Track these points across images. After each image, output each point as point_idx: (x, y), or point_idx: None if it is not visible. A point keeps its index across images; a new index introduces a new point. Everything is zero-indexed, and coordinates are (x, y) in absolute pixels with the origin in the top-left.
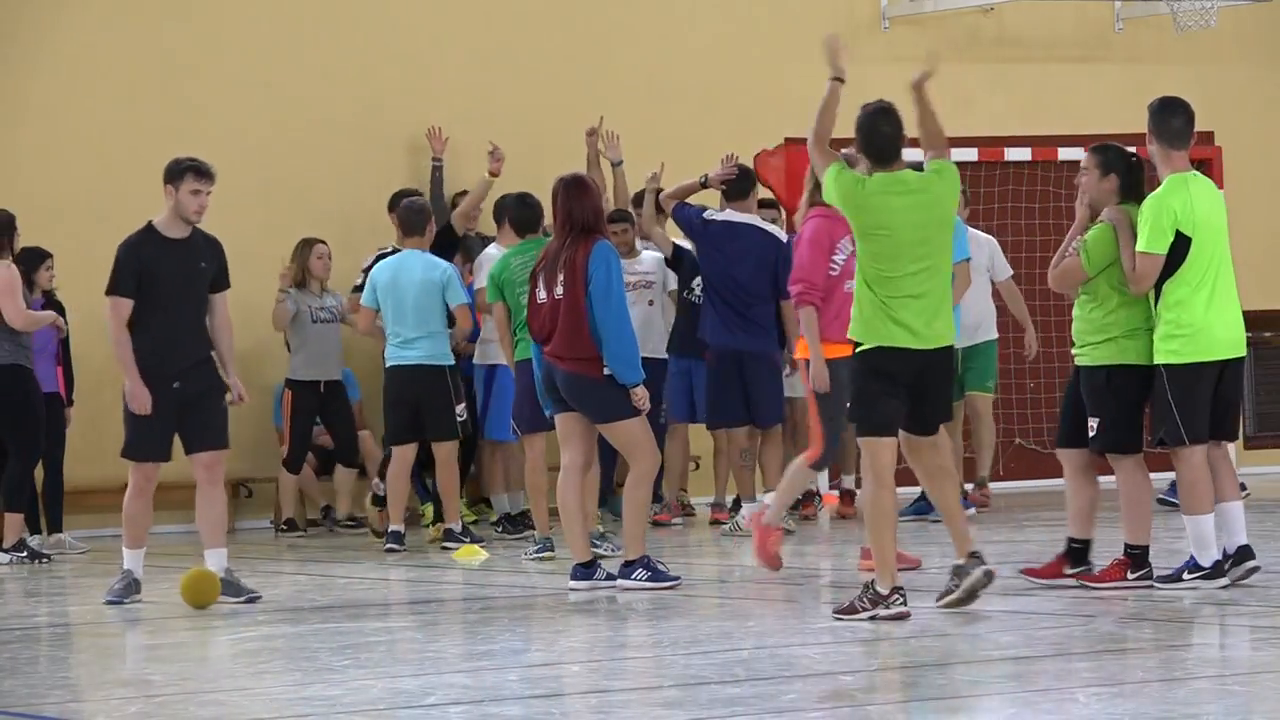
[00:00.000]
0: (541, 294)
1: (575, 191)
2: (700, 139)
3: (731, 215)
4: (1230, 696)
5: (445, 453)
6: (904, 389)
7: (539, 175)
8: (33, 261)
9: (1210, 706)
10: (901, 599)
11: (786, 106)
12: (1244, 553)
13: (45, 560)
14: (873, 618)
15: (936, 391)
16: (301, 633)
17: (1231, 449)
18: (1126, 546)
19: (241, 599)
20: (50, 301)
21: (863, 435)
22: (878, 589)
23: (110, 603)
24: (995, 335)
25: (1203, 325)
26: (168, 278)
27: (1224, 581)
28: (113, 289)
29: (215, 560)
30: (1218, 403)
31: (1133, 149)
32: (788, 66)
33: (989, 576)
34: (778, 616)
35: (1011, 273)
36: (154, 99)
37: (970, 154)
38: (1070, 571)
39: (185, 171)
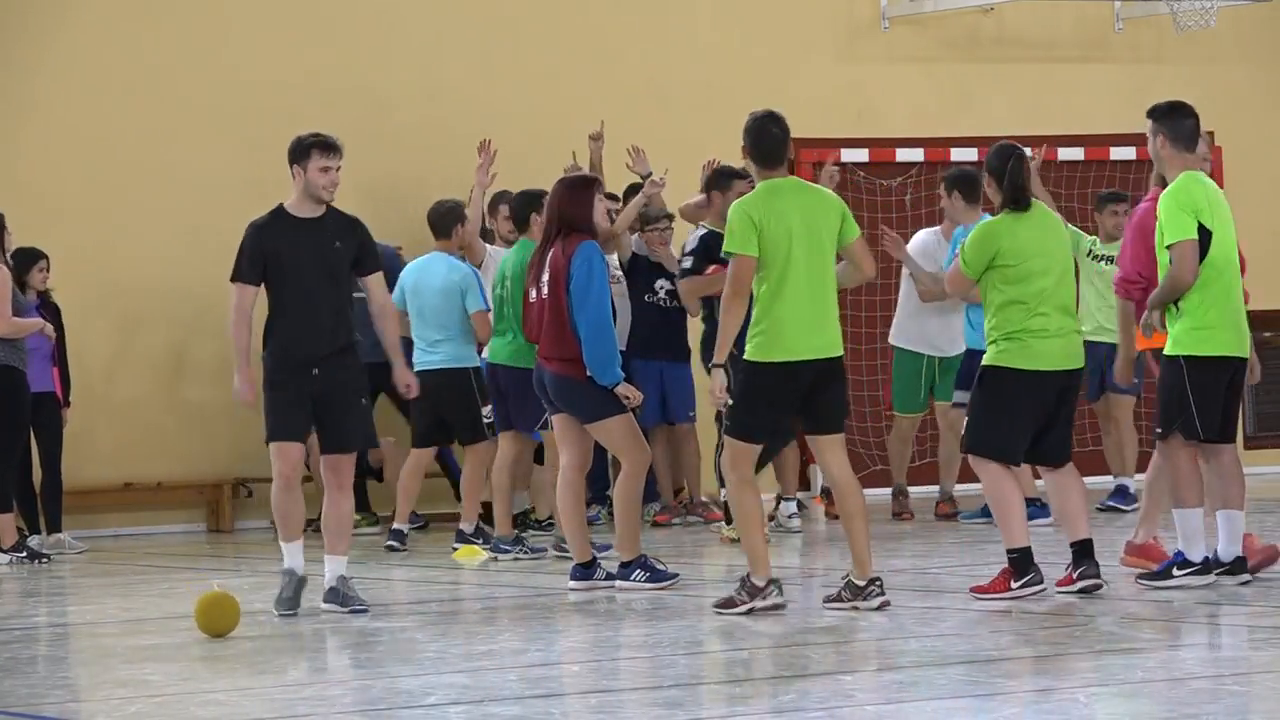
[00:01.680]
0: (532, 294)
1: (570, 192)
2: (700, 139)
3: None
4: (1230, 696)
5: (476, 455)
6: (796, 398)
7: (540, 176)
8: (25, 262)
9: (1210, 706)
10: (777, 590)
11: (786, 106)
12: (1238, 565)
13: (45, 560)
14: (750, 610)
15: (829, 394)
16: (302, 632)
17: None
18: (1007, 552)
19: (346, 610)
20: (45, 302)
21: (731, 435)
22: (754, 581)
23: (284, 614)
24: None
25: (1223, 321)
26: (299, 260)
27: (1212, 579)
28: (234, 275)
29: (332, 567)
30: (1226, 403)
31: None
32: (788, 66)
33: (779, 608)
34: (777, 616)
35: None
36: (156, 99)
37: (970, 154)
38: (1017, 584)
39: (310, 148)
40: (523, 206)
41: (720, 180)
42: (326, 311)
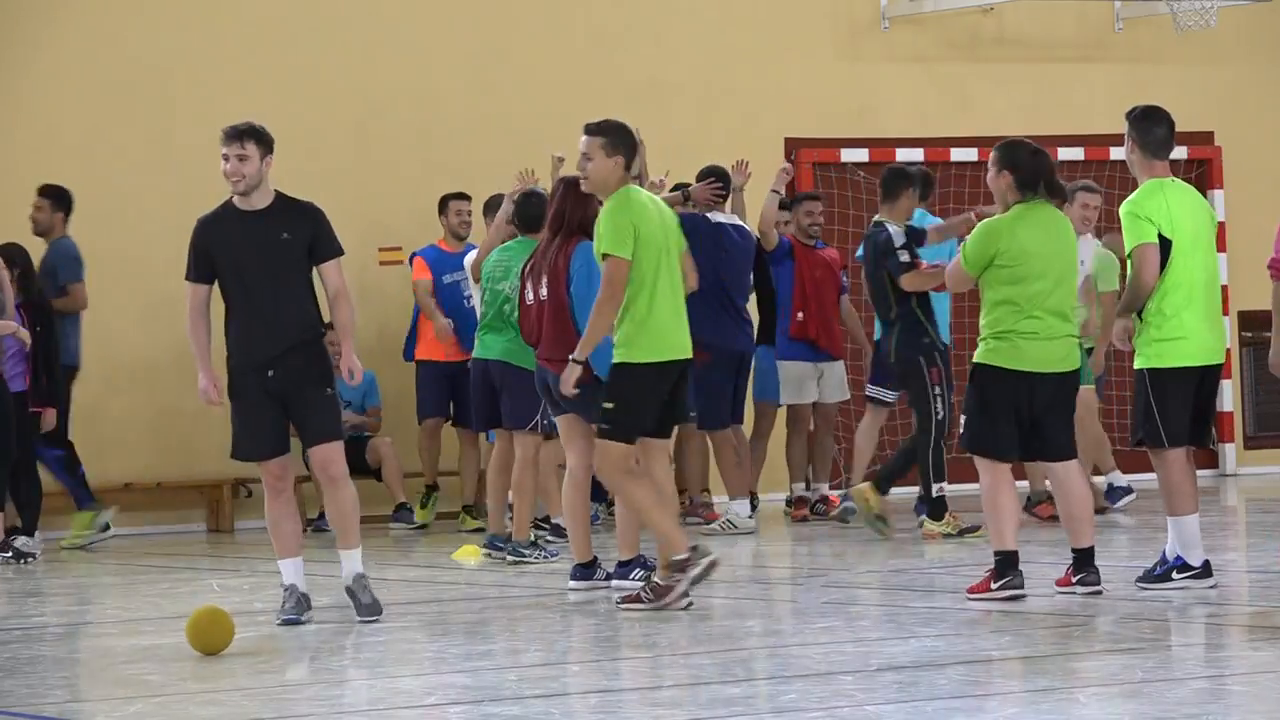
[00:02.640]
0: (529, 295)
1: (573, 193)
2: (700, 139)
3: (720, 216)
4: (1230, 696)
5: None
6: (666, 396)
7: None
8: None
9: (1210, 706)
10: (701, 552)
11: (786, 106)
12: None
13: (30, 559)
14: (688, 586)
15: (680, 393)
16: (302, 633)
17: (1230, 449)
18: (994, 554)
19: (360, 618)
20: (36, 302)
21: (611, 438)
22: (675, 559)
23: (284, 623)
24: None
25: (1184, 331)
26: (243, 254)
27: (1212, 581)
28: (185, 274)
29: (347, 565)
30: (1195, 409)
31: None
32: (787, 66)
33: (715, 565)
34: (778, 616)
35: None
36: (150, 99)
37: (970, 154)
38: (996, 585)
39: (221, 140)
40: (535, 205)
41: (900, 181)
42: (276, 308)
